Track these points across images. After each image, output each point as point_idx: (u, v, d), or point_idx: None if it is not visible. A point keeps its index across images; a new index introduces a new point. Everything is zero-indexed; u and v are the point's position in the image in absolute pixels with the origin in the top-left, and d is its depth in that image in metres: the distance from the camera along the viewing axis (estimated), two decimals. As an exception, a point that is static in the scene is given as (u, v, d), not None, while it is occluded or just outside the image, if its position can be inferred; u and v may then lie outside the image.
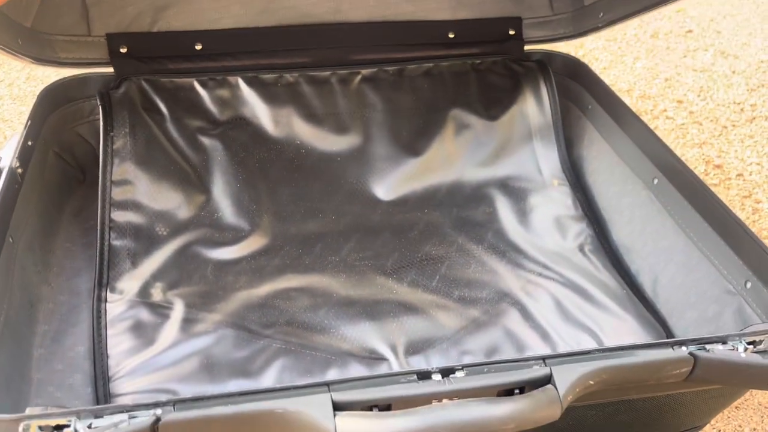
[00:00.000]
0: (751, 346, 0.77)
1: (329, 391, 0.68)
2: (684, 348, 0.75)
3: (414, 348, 1.02)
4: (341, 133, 1.30)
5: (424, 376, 0.71)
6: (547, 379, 0.72)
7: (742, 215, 1.66)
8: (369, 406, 0.68)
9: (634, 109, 1.20)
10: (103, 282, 1.04)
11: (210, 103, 1.26)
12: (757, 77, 2.16)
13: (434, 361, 1.01)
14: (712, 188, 1.74)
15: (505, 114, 1.34)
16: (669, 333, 1.06)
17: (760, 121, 1.97)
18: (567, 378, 0.71)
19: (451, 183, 1.32)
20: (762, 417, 1.23)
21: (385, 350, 1.01)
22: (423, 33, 1.32)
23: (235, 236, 1.17)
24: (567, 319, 1.07)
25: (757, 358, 0.75)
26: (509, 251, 1.20)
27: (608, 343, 1.03)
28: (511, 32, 1.35)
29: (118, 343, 0.97)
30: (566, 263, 1.17)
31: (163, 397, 0.89)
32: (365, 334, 1.04)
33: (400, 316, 1.07)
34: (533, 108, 1.34)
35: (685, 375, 0.75)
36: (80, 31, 1.20)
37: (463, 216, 1.27)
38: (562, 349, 1.03)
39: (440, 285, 1.14)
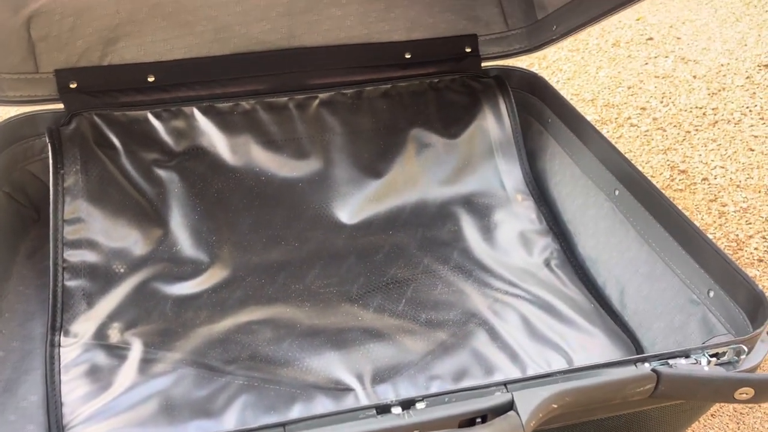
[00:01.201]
0: (714, 359, 0.76)
1: (284, 432, 0.66)
2: (647, 365, 0.74)
3: (381, 376, 1.00)
4: (301, 158, 1.29)
5: (383, 410, 0.69)
6: (510, 406, 0.70)
7: (708, 219, 1.66)
8: (326, 446, 0.66)
9: (598, 118, 1.20)
10: (57, 326, 1.01)
11: (165, 135, 1.23)
12: (718, 81, 2.19)
13: (401, 388, 0.98)
14: (678, 194, 1.76)
15: (466, 131, 1.34)
16: (637, 344, 1.05)
17: (722, 125, 1.99)
18: (529, 403, 0.70)
19: (414, 203, 1.30)
20: (738, 424, 1.22)
21: (351, 380, 0.99)
22: (379, 54, 1.32)
23: (194, 270, 1.14)
24: (535, 338, 1.06)
25: (720, 371, 0.75)
26: (475, 270, 1.19)
27: (577, 359, 1.02)
28: (468, 49, 1.35)
29: (73, 389, 0.94)
30: (533, 279, 1.16)
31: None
32: (331, 364, 1.01)
33: (366, 344, 1.05)
34: (493, 124, 1.34)
35: (649, 392, 0.74)
36: (28, 68, 1.18)
37: (428, 236, 1.26)
38: (531, 369, 1.01)
39: (407, 309, 1.12)
